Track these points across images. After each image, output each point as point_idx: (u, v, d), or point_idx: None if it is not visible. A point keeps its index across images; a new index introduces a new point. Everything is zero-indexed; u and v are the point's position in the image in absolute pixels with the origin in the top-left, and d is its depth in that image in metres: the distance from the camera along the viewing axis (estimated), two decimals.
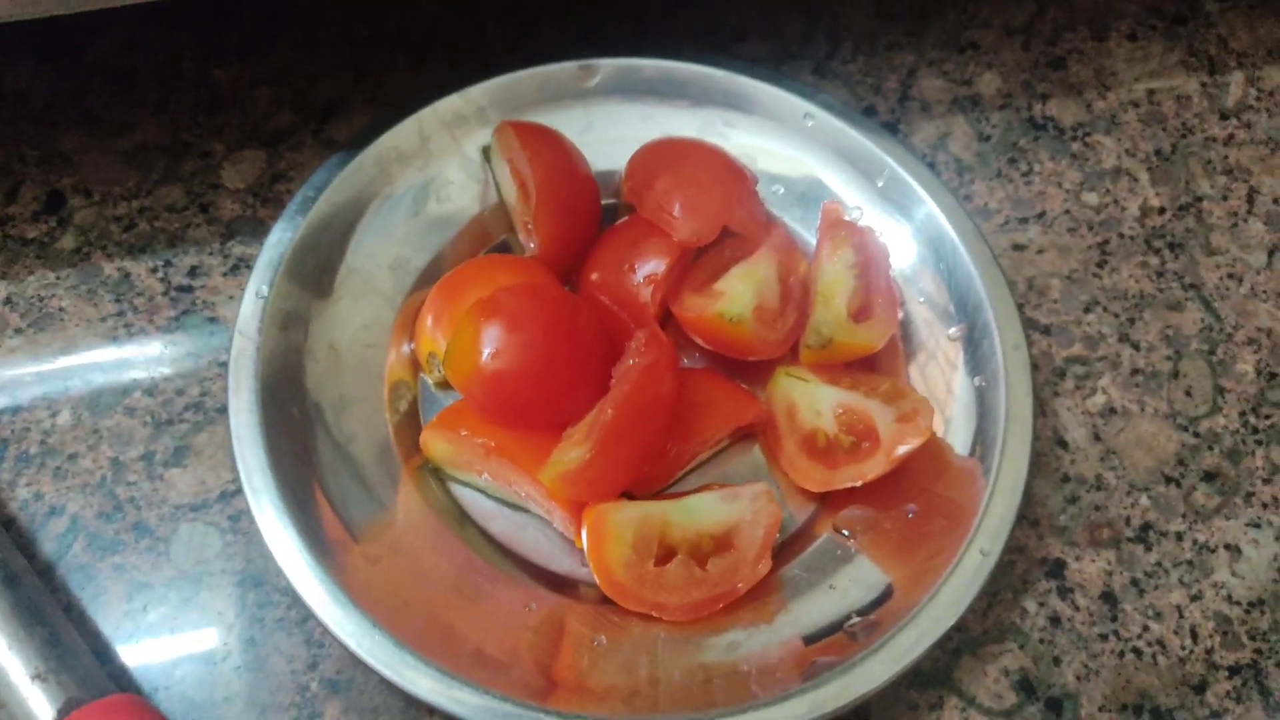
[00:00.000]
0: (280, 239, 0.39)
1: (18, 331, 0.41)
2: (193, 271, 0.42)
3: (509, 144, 0.42)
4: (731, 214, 0.42)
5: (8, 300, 0.41)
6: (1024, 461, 0.37)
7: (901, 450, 0.36)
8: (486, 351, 0.35)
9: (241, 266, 0.42)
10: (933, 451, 0.38)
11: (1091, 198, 0.49)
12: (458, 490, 0.39)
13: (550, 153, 0.42)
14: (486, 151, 0.44)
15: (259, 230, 0.43)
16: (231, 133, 0.45)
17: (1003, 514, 0.36)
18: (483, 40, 0.49)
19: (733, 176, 0.43)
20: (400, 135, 0.43)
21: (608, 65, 0.45)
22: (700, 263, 0.42)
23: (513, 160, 0.42)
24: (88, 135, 0.45)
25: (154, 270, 0.42)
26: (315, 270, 0.40)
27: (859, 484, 0.37)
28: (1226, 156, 0.51)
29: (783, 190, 0.45)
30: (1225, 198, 0.50)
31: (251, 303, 0.38)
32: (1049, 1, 0.55)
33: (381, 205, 0.42)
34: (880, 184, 0.44)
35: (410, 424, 0.40)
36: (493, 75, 0.44)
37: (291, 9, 0.48)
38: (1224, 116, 0.52)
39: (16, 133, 0.45)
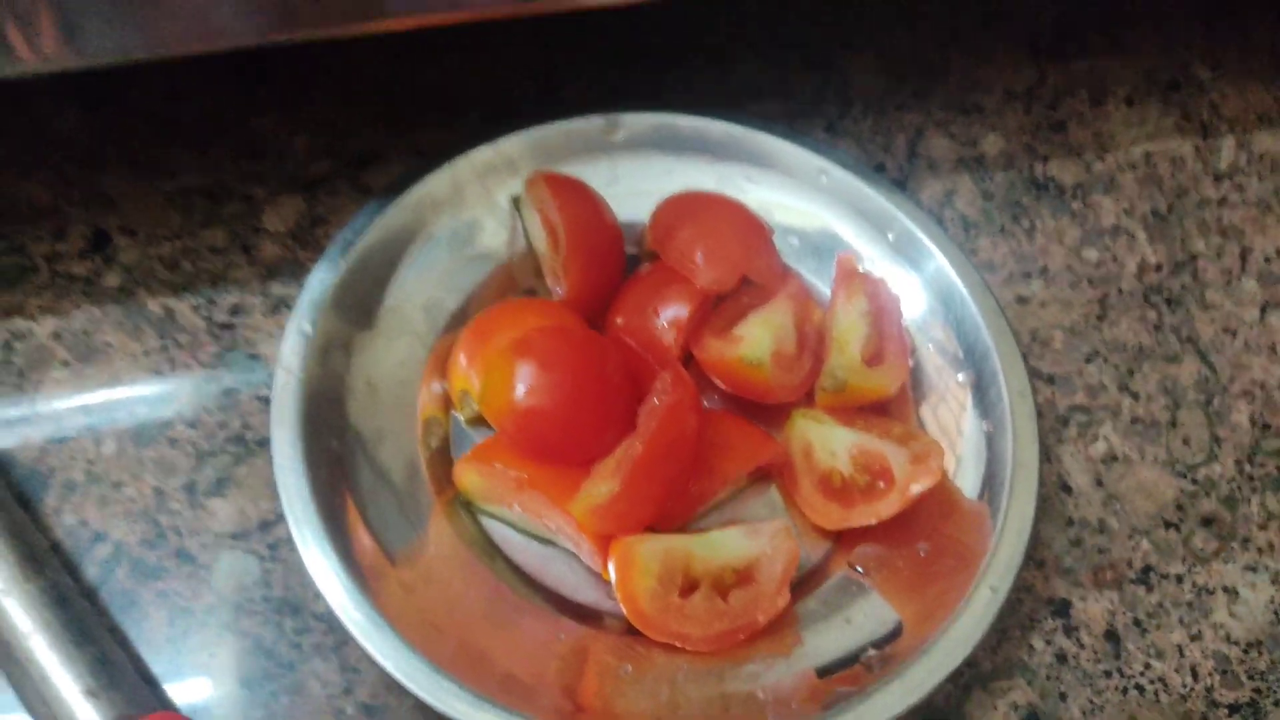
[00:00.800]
0: (322, 278, 0.41)
1: (65, 365, 0.42)
2: (234, 310, 0.44)
3: (540, 194, 0.44)
4: (750, 263, 0.44)
5: (55, 335, 0.43)
6: (1031, 505, 0.39)
7: (915, 490, 0.38)
8: (520, 389, 0.37)
9: (281, 306, 0.44)
10: (943, 494, 0.39)
11: (1091, 254, 0.51)
12: (487, 523, 0.40)
13: (580, 204, 0.44)
14: (516, 201, 0.46)
15: (298, 271, 0.45)
16: (271, 178, 0.47)
17: (1010, 555, 0.38)
18: (511, 96, 0.51)
19: (751, 228, 0.45)
20: (435, 183, 0.45)
21: (632, 120, 0.47)
22: (720, 309, 0.44)
23: (544, 210, 0.44)
24: (132, 178, 0.47)
25: (197, 308, 0.44)
26: (355, 309, 0.41)
27: (874, 522, 0.39)
28: (1220, 217, 0.53)
29: (798, 242, 0.47)
30: (1219, 256, 0.52)
31: (295, 339, 0.40)
32: (1049, 68, 0.57)
33: (417, 249, 0.44)
34: (891, 238, 0.46)
35: (442, 459, 0.41)
36: (522, 128, 0.47)
37: (328, 65, 0.50)
38: (1217, 179, 0.55)
39: (64, 174, 0.47)
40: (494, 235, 0.46)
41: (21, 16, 0.36)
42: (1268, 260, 0.52)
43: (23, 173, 0.47)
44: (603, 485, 0.36)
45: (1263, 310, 0.50)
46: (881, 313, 0.43)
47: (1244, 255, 0.52)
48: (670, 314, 0.43)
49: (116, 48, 0.38)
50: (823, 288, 0.46)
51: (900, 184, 0.52)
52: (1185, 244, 0.52)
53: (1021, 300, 0.49)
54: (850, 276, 0.44)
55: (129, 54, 0.38)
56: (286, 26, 0.39)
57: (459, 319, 0.44)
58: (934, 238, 0.45)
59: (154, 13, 0.37)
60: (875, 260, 0.46)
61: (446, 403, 0.43)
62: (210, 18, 0.38)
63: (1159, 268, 0.51)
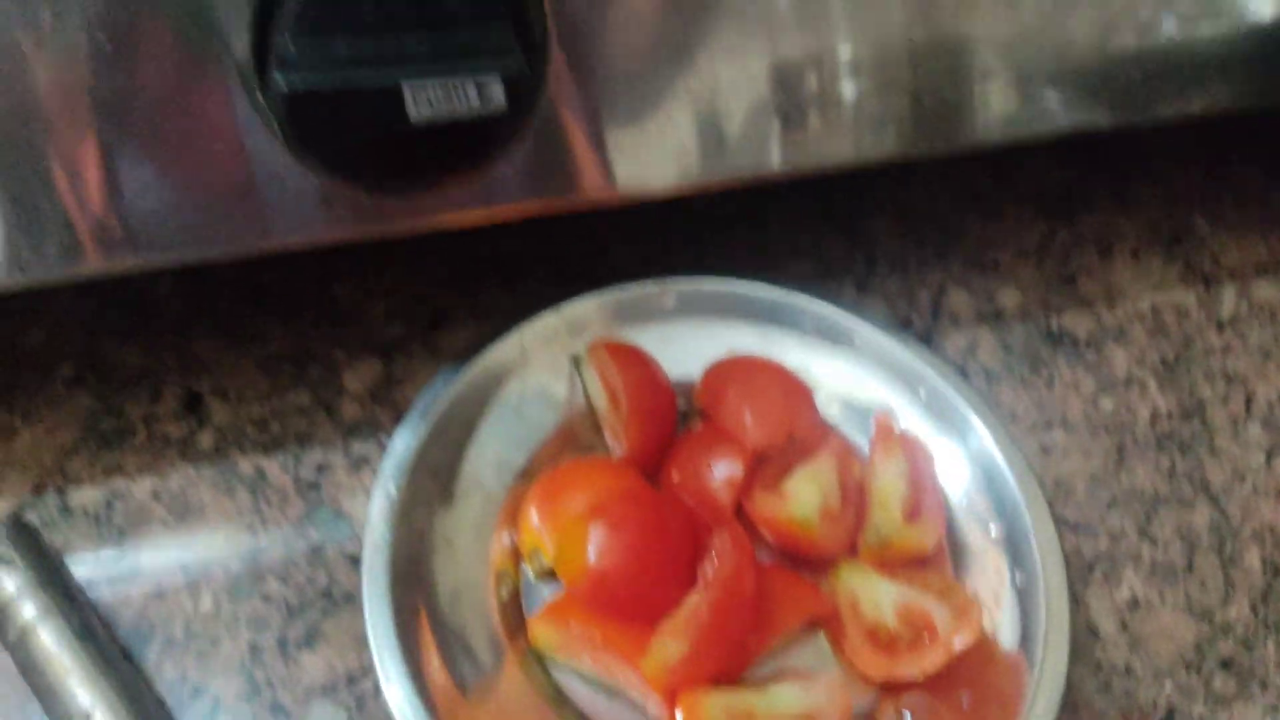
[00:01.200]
0: (404, 443, 0.45)
1: (163, 523, 0.46)
2: (319, 468, 0.48)
3: (602, 361, 0.48)
4: (794, 422, 0.48)
5: (154, 494, 0.46)
6: (1064, 655, 0.42)
7: (958, 644, 0.41)
8: (594, 553, 0.40)
9: (362, 463, 0.48)
10: (982, 646, 0.42)
11: (1107, 403, 0.55)
12: (556, 674, 0.43)
13: (638, 369, 0.48)
14: (576, 360, 0.50)
15: (377, 431, 0.49)
16: (350, 342, 0.51)
17: (1048, 705, 0.41)
18: (566, 259, 0.56)
19: (793, 389, 0.49)
20: (504, 349, 0.49)
21: (681, 286, 0.52)
22: (767, 463, 0.48)
23: (605, 375, 0.48)
24: (222, 343, 0.51)
25: (284, 467, 0.47)
26: (435, 471, 0.45)
27: (919, 675, 0.41)
28: (1225, 365, 0.57)
29: (835, 399, 0.51)
30: (1226, 403, 0.56)
31: (381, 502, 0.43)
32: (1058, 224, 0.62)
33: (489, 411, 0.48)
34: (922, 394, 0.50)
35: (513, 610, 0.44)
36: (579, 293, 0.51)
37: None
38: (1220, 327, 0.59)
39: (159, 340, 0.51)
40: (556, 394, 0.50)
41: (93, 224, 0.40)
42: (1270, 406, 0.56)
43: (120, 338, 0.51)
44: (671, 645, 0.39)
45: (1268, 455, 0.54)
46: (918, 470, 0.47)
47: (1249, 401, 0.56)
48: (723, 472, 0.46)
49: (189, 249, 0.42)
50: (859, 439, 0.50)
51: (926, 338, 0.56)
52: (1193, 392, 0.56)
53: (1045, 450, 0.52)
54: (888, 435, 0.48)
55: (204, 254, 0.43)
56: (355, 226, 0.44)
57: (525, 473, 0.48)
58: (962, 394, 0.49)
59: (228, 218, 0.42)
60: (907, 415, 0.50)
61: (515, 555, 0.46)
62: (278, 221, 0.42)
63: (1170, 416, 0.55)
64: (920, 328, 0.57)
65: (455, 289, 0.54)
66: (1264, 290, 0.61)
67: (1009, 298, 0.58)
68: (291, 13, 0.36)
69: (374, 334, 0.52)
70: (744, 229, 0.59)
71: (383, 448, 0.49)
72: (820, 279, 0.58)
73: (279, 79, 0.34)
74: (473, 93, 0.35)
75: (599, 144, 0.44)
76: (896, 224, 0.61)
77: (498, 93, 0.35)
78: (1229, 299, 0.60)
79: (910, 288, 0.58)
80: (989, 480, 0.47)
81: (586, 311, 0.51)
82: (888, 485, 0.46)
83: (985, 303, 0.58)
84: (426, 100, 0.34)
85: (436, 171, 0.40)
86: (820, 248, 0.59)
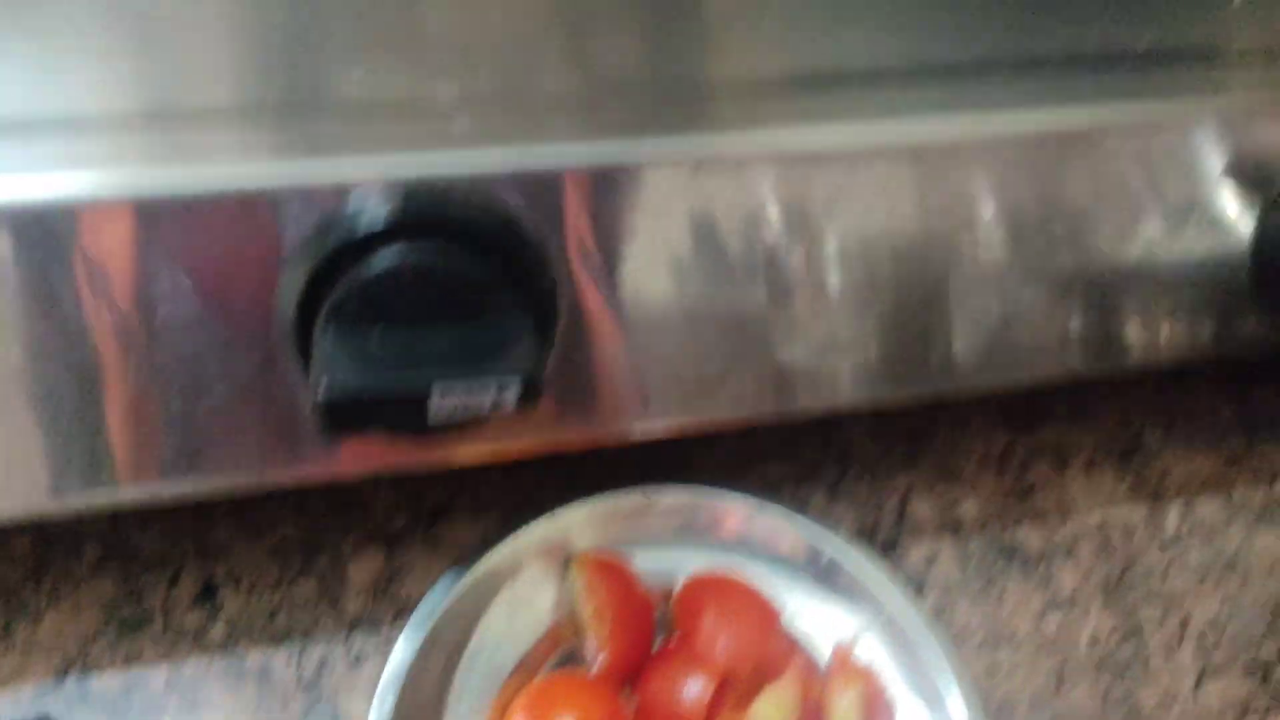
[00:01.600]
0: (403, 654, 0.49)
1: (174, 718, 0.49)
2: (320, 664, 0.51)
3: (589, 574, 0.52)
4: (763, 646, 0.52)
5: (169, 685, 0.50)
6: None
7: None
8: None
9: (361, 661, 0.52)
10: None
11: (1052, 623, 0.59)
12: None
13: (621, 587, 0.52)
14: (568, 563, 0.54)
15: (378, 626, 0.53)
16: (356, 531, 0.55)
17: None
18: (560, 456, 0.60)
19: (763, 613, 0.53)
20: (499, 556, 0.53)
21: (663, 498, 0.56)
22: (735, 683, 0.52)
23: (591, 589, 0.52)
24: (238, 528, 0.55)
25: (289, 662, 0.51)
26: (430, 682, 0.49)
27: None
28: (1165, 586, 0.62)
29: (798, 619, 0.55)
30: (1161, 625, 0.60)
31: (379, 713, 0.47)
32: (1019, 435, 0.67)
33: (483, 619, 0.52)
34: (881, 620, 0.54)
35: None
36: (572, 487, 0.55)
37: None
38: (1162, 547, 0.63)
39: (178, 525, 0.55)
40: (546, 599, 0.54)
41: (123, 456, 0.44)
42: (1204, 629, 0.60)
43: (142, 520, 0.55)
44: None
45: (1198, 680, 0.58)
46: (872, 703, 0.51)
47: (1184, 624, 0.60)
48: (693, 692, 0.50)
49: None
50: (821, 650, 0.54)
51: (891, 546, 0.61)
52: (1133, 613, 0.60)
53: (991, 670, 0.57)
54: (845, 665, 0.52)
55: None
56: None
57: (514, 671, 0.52)
58: (919, 620, 0.53)
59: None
60: (863, 640, 0.54)
61: None
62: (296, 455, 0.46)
63: (1109, 637, 0.59)
64: (885, 536, 0.61)
65: (457, 479, 0.58)
66: (1205, 508, 0.65)
67: (969, 508, 0.63)
68: (334, 301, 0.40)
69: (378, 524, 0.56)
70: (725, 436, 0.63)
71: (381, 644, 0.52)
72: (796, 482, 0.62)
73: (323, 382, 0.38)
74: (491, 393, 0.39)
75: (607, 395, 0.48)
76: (870, 425, 0.65)
77: (512, 394, 0.39)
78: (1173, 517, 0.65)
79: (879, 493, 0.63)
80: (939, 709, 0.51)
81: (577, 520, 0.55)
82: (843, 717, 0.50)
83: (947, 511, 0.62)
84: (450, 403, 0.39)
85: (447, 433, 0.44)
86: (798, 448, 0.64)
